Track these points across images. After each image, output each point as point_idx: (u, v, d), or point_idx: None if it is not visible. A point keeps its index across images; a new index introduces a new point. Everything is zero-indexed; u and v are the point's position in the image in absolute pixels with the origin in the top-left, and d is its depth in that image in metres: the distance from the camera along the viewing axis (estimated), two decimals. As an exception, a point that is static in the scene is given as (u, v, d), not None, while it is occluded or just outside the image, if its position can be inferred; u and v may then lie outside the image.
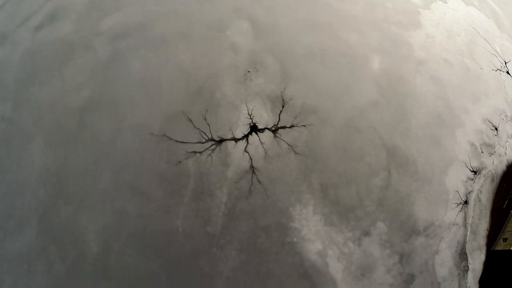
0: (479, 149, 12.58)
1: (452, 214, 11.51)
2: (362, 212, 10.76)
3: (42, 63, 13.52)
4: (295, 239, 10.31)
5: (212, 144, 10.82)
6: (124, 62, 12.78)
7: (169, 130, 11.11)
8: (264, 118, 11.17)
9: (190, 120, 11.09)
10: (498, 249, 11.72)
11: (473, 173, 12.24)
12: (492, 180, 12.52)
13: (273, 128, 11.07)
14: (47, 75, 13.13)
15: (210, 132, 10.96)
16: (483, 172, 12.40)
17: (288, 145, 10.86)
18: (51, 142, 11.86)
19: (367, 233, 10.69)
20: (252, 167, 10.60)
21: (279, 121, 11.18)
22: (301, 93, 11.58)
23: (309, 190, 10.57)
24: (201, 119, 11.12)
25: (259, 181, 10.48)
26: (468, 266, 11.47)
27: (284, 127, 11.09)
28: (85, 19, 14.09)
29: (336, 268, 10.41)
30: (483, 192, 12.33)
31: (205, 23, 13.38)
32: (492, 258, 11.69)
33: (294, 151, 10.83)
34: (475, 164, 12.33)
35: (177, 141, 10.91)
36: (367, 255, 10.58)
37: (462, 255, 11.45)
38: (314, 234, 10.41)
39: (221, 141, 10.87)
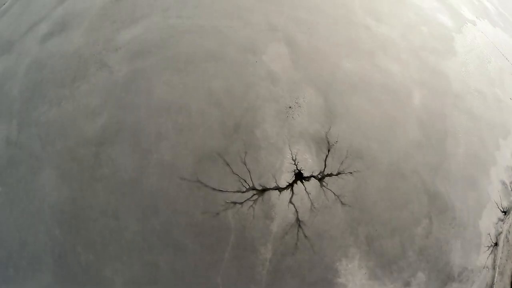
0: (509, 188, 12.21)
1: (483, 258, 11.27)
2: (404, 263, 10.34)
3: (50, 78, 11.62)
4: (340, 295, 9.75)
5: (254, 194, 9.77)
6: (145, 85, 11.19)
7: (203, 174, 9.91)
8: (309, 164, 10.18)
9: (228, 164, 9.90)
10: None
11: (503, 213, 11.92)
12: (519, 219, 12.34)
13: (319, 176, 10.13)
14: (56, 93, 11.34)
15: (251, 180, 9.87)
16: (512, 211, 12.16)
17: (335, 195, 10.03)
18: (65, 175, 10.30)
19: (407, 284, 10.35)
20: (298, 220, 9.74)
21: (325, 167, 10.26)
22: (346, 134, 10.64)
23: (355, 243, 9.92)
24: (240, 163, 9.96)
25: (306, 236, 9.67)
26: (493, 305, 11.50)
27: (330, 175, 10.19)
28: (98, 30, 12.19)
29: (377, 319, 10.06)
30: (511, 232, 12.13)
31: (237, 44, 11.90)
32: None
33: (341, 201, 10.02)
34: (505, 204, 11.99)
35: (214, 189, 9.76)
36: (406, 304, 10.30)
37: (490, 296, 11.44)
38: (359, 287, 9.90)
39: (264, 190, 9.84)
